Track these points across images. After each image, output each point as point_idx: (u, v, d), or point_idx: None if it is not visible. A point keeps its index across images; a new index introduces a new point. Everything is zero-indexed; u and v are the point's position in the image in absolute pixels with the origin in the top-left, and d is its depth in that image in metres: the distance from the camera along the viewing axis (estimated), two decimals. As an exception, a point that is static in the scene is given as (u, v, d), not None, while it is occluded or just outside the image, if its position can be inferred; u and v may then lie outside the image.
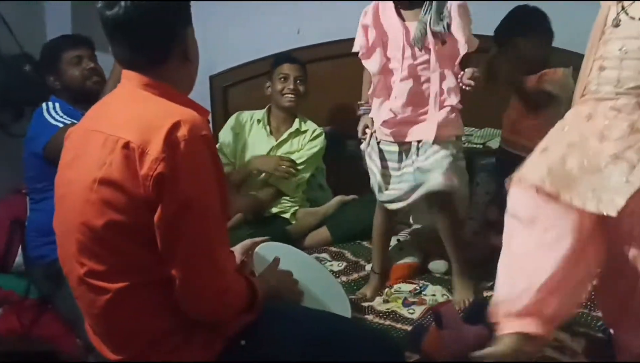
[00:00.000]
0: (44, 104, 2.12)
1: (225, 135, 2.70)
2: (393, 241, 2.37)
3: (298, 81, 2.59)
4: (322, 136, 2.73)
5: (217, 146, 2.55)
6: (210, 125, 2.97)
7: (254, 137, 2.69)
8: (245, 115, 2.74)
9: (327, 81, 3.04)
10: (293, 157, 2.62)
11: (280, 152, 2.66)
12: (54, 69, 2.14)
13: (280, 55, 2.76)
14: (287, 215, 2.62)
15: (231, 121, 2.74)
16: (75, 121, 1.93)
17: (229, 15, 3.09)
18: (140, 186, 1.15)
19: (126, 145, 1.16)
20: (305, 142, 2.68)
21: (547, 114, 2.13)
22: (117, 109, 1.28)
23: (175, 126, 1.15)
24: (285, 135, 2.67)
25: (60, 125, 2.02)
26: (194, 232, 1.17)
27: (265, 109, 2.73)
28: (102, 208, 1.18)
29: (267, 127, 2.69)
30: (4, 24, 2.57)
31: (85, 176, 1.20)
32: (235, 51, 3.12)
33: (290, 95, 2.58)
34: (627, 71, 1.41)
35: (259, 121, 2.68)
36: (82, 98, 2.11)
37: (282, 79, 2.59)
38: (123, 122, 1.21)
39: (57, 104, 2.12)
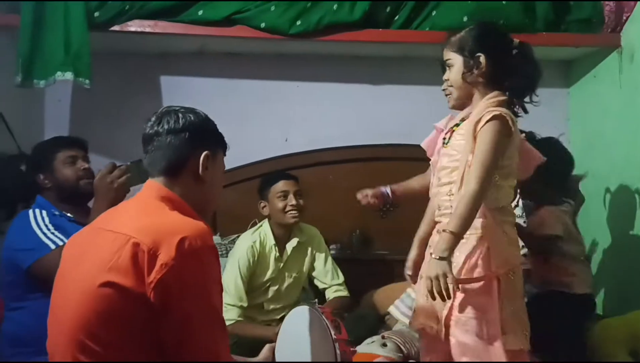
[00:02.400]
0: (30, 211, 2.08)
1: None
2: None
3: (298, 196, 2.60)
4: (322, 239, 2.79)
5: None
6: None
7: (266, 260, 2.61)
8: (257, 244, 2.57)
9: (312, 187, 3.17)
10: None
11: (287, 268, 2.64)
12: (46, 168, 2.13)
13: (273, 175, 2.73)
14: (274, 324, 2.57)
15: (248, 254, 2.54)
16: (64, 239, 1.92)
17: (219, 122, 3.20)
18: (146, 289, 1.18)
19: (136, 245, 1.21)
20: (312, 253, 2.71)
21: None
22: (130, 214, 1.35)
23: (188, 236, 1.22)
24: (290, 250, 2.64)
25: (52, 245, 1.96)
26: (203, 337, 1.22)
27: (264, 228, 2.64)
28: (105, 307, 1.20)
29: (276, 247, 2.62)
30: (3, 122, 2.65)
31: (91, 273, 1.23)
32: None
33: (293, 211, 2.57)
34: None
35: (275, 245, 2.60)
36: (71, 198, 2.12)
37: (282, 197, 2.57)
38: (136, 226, 1.26)
39: (44, 212, 2.07)
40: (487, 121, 1.64)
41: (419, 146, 3.24)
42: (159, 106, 1.50)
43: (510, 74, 1.74)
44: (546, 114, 3.09)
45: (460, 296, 1.68)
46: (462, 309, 1.69)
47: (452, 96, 1.82)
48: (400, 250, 3.14)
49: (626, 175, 2.73)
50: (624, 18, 2.72)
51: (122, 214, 1.38)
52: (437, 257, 1.58)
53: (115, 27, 2.77)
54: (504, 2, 2.76)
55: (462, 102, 1.80)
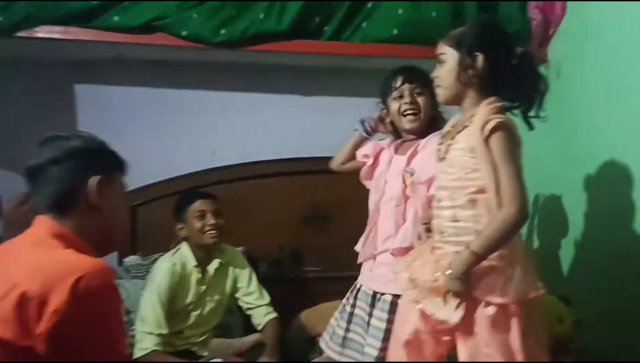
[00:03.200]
0: None
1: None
2: None
3: (216, 215, 2.46)
4: (244, 258, 2.66)
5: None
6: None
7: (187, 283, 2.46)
8: (178, 266, 2.42)
9: (240, 202, 3.04)
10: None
11: (209, 291, 2.49)
12: None
13: (188, 194, 2.58)
14: (195, 348, 2.45)
15: (168, 277, 2.38)
16: None
17: (141, 134, 3.05)
18: (33, 342, 1.06)
19: (23, 293, 1.08)
20: (234, 273, 2.58)
21: None
22: (18, 255, 1.20)
23: (84, 276, 1.10)
24: (211, 272, 2.50)
25: None
26: None
27: (183, 250, 2.48)
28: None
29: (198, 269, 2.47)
30: None
31: None
32: (146, 169, 3.06)
33: (212, 231, 2.43)
34: None
35: (196, 266, 2.45)
36: None
37: (199, 217, 2.43)
38: (23, 269, 1.13)
39: None
40: (495, 131, 1.51)
41: (351, 159, 3.23)
42: (73, 117, 1.36)
43: (508, 81, 1.60)
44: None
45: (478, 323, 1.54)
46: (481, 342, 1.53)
47: (438, 96, 1.70)
48: (334, 267, 3.10)
49: (555, 189, 2.74)
50: (551, 32, 2.73)
51: (9, 255, 1.21)
52: (454, 276, 1.50)
53: (22, 33, 2.54)
54: (434, 14, 2.72)
55: (449, 103, 1.71)
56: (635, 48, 2.28)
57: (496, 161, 1.50)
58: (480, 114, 1.55)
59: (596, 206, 2.46)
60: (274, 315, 2.53)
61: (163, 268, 2.41)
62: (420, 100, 2.03)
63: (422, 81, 2.04)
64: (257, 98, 3.16)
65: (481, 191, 1.55)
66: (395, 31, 2.71)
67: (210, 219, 2.44)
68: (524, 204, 1.48)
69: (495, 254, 1.51)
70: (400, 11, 2.71)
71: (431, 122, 2.06)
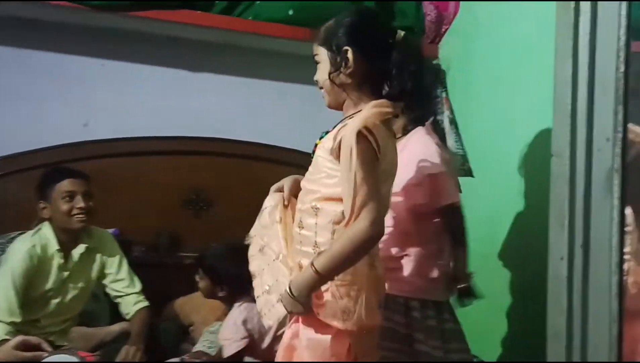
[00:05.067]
0: None
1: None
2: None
3: (87, 197, 2.23)
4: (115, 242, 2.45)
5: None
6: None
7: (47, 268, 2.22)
8: (38, 248, 2.17)
9: (114, 180, 2.82)
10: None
11: (72, 278, 2.26)
12: None
13: (57, 170, 2.30)
14: (52, 337, 2.22)
15: (24, 261, 2.13)
16: None
17: (3, 98, 2.74)
18: None
19: None
20: (102, 259, 2.36)
21: None
22: None
23: None
24: (76, 257, 2.28)
25: None
26: None
27: (44, 231, 2.23)
28: None
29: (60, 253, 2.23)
30: None
31: None
32: (8, 137, 2.75)
33: (80, 215, 2.19)
34: None
35: (58, 250, 2.22)
36: None
37: (67, 198, 2.18)
38: None
39: None
40: (355, 137, 1.30)
41: (237, 142, 3.10)
42: None
43: (388, 75, 1.41)
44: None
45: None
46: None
47: (325, 100, 1.50)
48: (213, 254, 2.97)
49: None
50: (443, 30, 2.77)
51: None
52: (293, 295, 1.33)
53: None
54: (331, 0, 2.65)
55: (337, 108, 1.49)
56: (522, 49, 2.36)
57: (352, 170, 1.30)
58: (356, 118, 1.37)
59: (479, 205, 2.52)
60: (144, 303, 2.36)
61: (20, 249, 2.16)
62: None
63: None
64: (139, 70, 2.93)
65: (328, 199, 1.39)
66: (290, 12, 2.62)
67: (80, 202, 2.20)
68: (377, 220, 1.30)
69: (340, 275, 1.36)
70: (297, -9, 2.62)
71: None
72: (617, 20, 0.89)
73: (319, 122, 1.56)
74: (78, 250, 2.27)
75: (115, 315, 2.43)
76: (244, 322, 2.13)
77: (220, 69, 3.01)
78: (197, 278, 2.30)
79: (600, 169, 0.91)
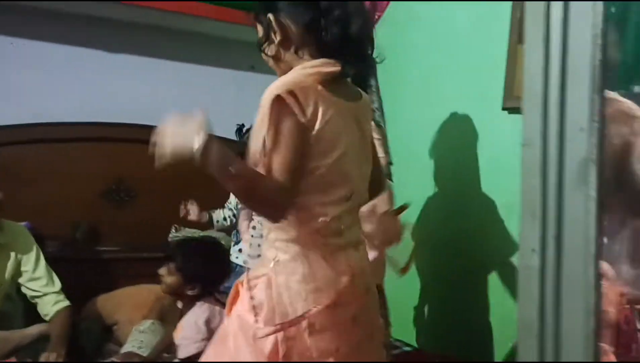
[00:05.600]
0: None
1: None
2: None
3: None
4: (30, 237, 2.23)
5: None
6: None
7: None
8: None
9: (25, 169, 2.59)
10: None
11: None
12: None
13: None
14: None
15: None
16: None
17: None
18: None
19: None
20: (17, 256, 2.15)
21: None
22: None
23: None
24: None
25: None
26: None
27: None
28: None
29: None
30: None
31: None
32: None
33: None
34: None
35: None
36: None
37: None
38: None
39: None
40: (269, 98, 1.16)
41: (161, 128, 2.92)
42: None
43: (318, 34, 1.22)
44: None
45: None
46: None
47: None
48: (136, 247, 2.79)
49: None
50: (376, 17, 2.73)
51: None
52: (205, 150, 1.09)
53: None
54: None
55: None
56: (457, 38, 2.37)
57: (264, 135, 1.17)
58: (277, 81, 1.23)
59: (404, 196, 2.51)
60: (64, 303, 2.17)
61: None
62: None
63: None
64: (54, 50, 2.70)
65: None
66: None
67: None
68: (289, 193, 1.15)
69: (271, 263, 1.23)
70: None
71: None
72: (591, 5, 0.87)
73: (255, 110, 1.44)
74: None
75: (31, 316, 2.23)
76: (207, 322, 1.99)
77: (141, 51, 2.83)
78: (163, 272, 2.08)
79: (573, 159, 0.89)
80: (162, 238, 2.81)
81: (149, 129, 3.01)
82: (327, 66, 1.21)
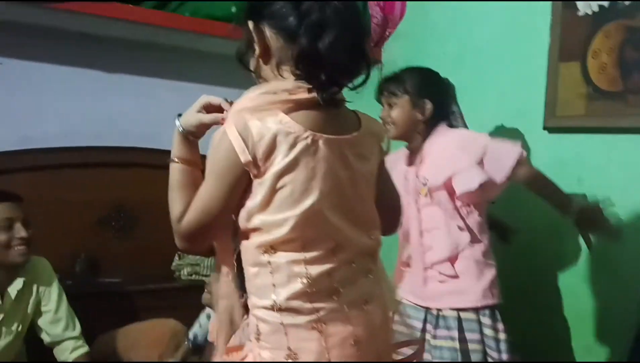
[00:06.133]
0: None
1: None
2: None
3: (26, 224, 1.89)
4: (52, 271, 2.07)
5: None
6: None
7: None
8: None
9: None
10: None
11: (7, 321, 1.88)
12: None
13: None
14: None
15: None
16: None
17: None
18: None
19: None
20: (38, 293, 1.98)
21: None
22: None
23: None
24: (13, 295, 1.90)
25: None
26: None
27: None
28: None
29: None
30: None
31: None
32: None
33: (21, 246, 1.85)
34: None
35: None
36: None
37: (4, 228, 1.83)
38: None
39: None
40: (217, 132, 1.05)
41: (164, 151, 2.76)
42: None
43: (298, 40, 1.01)
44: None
45: None
46: None
47: None
48: (140, 277, 2.62)
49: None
50: (387, 33, 2.68)
51: None
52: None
53: None
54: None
55: None
56: (470, 55, 2.33)
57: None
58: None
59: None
60: (84, 349, 2.01)
61: None
62: (394, 113, 1.79)
63: (395, 88, 1.79)
64: (47, 70, 2.51)
65: None
66: (234, 9, 2.38)
67: (21, 231, 1.85)
68: (184, 234, 1.06)
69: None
70: (240, -13, 2.39)
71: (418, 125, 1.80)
72: None
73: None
74: (16, 286, 1.90)
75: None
76: None
77: (145, 71, 2.67)
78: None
79: None
80: (166, 266, 2.66)
81: (147, 152, 2.87)
82: (298, 91, 1.01)
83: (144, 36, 2.53)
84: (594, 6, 1.86)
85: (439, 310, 1.71)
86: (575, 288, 1.92)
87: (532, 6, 2.07)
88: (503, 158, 1.66)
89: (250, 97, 1.03)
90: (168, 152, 1.15)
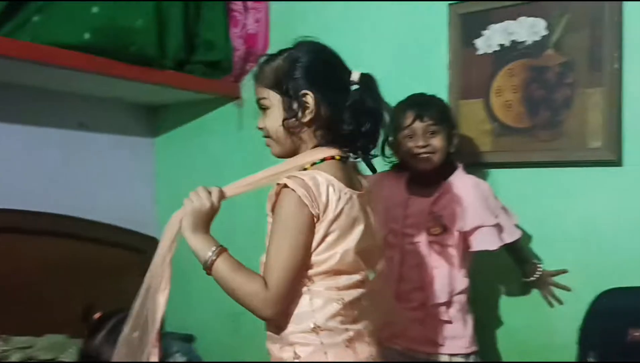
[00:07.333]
0: None
1: None
2: None
3: None
4: None
5: None
6: None
7: None
8: None
9: None
10: None
11: None
12: None
13: None
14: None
15: None
16: None
17: None
18: None
19: None
20: None
21: None
22: None
23: None
24: None
25: None
26: None
27: None
28: None
29: None
30: None
31: None
32: None
33: None
34: None
35: None
36: None
37: None
38: None
39: None
40: (280, 193, 1.17)
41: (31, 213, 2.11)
42: None
43: (342, 118, 1.22)
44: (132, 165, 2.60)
45: None
46: None
47: (272, 150, 1.29)
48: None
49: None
50: (248, 67, 2.46)
51: None
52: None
53: None
54: (139, 23, 2.08)
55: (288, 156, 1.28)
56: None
57: (273, 230, 1.18)
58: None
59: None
60: None
61: None
62: (436, 141, 1.72)
63: (436, 116, 1.72)
64: None
65: None
66: (87, 35, 1.94)
67: None
68: (278, 297, 1.14)
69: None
70: (95, 10, 1.95)
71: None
72: None
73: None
74: None
75: None
76: None
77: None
78: None
79: None
80: None
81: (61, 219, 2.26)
82: (336, 152, 1.23)
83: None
84: (494, 46, 1.92)
85: (428, 354, 1.70)
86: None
87: (426, 45, 2.07)
88: (508, 230, 1.74)
89: (304, 160, 1.22)
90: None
